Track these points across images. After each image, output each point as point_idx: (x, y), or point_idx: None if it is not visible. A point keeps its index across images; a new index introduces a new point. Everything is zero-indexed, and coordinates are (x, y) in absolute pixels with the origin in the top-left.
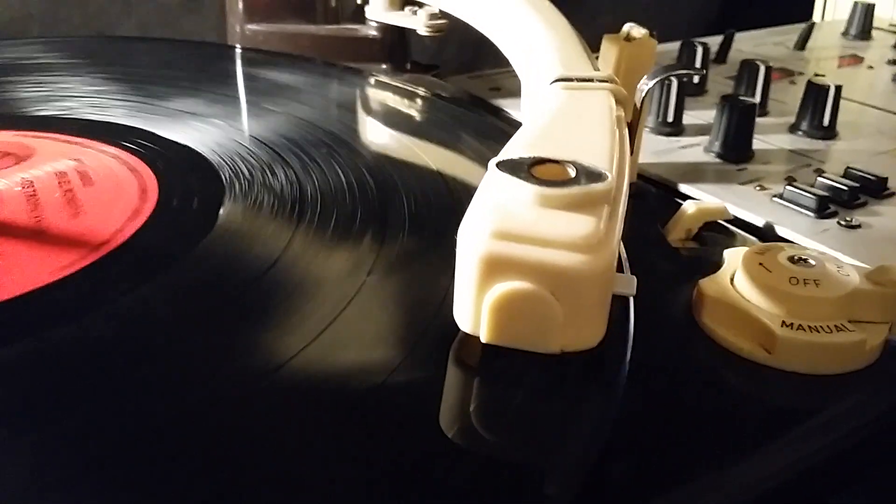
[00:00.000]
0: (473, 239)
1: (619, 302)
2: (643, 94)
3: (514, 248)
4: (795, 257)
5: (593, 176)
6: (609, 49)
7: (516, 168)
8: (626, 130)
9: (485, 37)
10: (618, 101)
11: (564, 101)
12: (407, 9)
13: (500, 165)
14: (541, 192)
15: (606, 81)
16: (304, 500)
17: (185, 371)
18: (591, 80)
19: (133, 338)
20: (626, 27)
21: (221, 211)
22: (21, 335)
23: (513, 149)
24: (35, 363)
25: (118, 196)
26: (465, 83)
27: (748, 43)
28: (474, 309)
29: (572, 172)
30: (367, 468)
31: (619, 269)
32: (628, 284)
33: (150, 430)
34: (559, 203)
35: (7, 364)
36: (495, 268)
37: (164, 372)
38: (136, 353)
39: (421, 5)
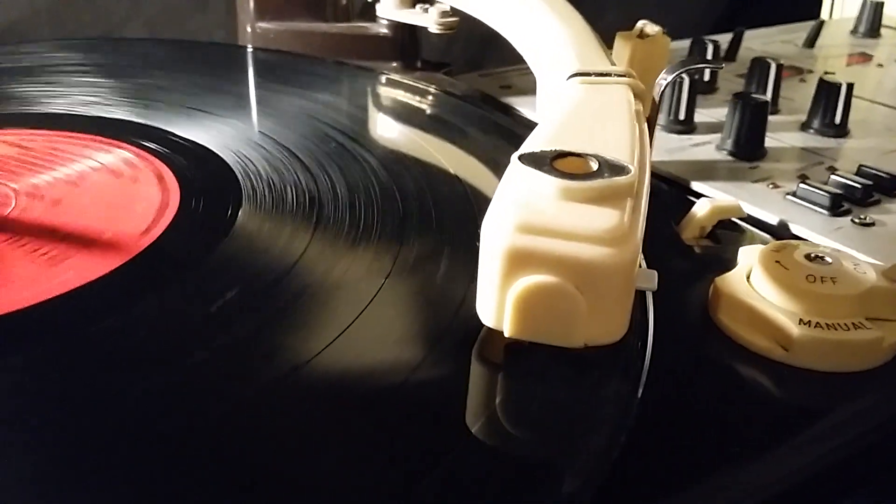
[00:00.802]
0: (497, 232)
1: (638, 298)
2: (661, 89)
3: (538, 242)
4: (812, 255)
5: (616, 169)
6: (622, 46)
7: (538, 161)
8: (646, 125)
9: (492, 33)
10: (636, 96)
11: (583, 95)
12: (418, 6)
13: (522, 159)
14: (564, 186)
15: (624, 76)
16: (328, 498)
17: (208, 372)
18: (608, 74)
19: (154, 340)
20: (640, 24)
21: (240, 212)
22: (44, 338)
23: (534, 142)
24: (53, 365)
25: (139, 198)
26: (475, 81)
27: (757, 41)
28: (498, 303)
29: (594, 166)
30: (389, 465)
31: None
32: (649, 279)
33: (172, 430)
34: (582, 196)
35: (24, 365)
36: (519, 261)
37: (186, 373)
38: (157, 355)
39: (432, 3)
